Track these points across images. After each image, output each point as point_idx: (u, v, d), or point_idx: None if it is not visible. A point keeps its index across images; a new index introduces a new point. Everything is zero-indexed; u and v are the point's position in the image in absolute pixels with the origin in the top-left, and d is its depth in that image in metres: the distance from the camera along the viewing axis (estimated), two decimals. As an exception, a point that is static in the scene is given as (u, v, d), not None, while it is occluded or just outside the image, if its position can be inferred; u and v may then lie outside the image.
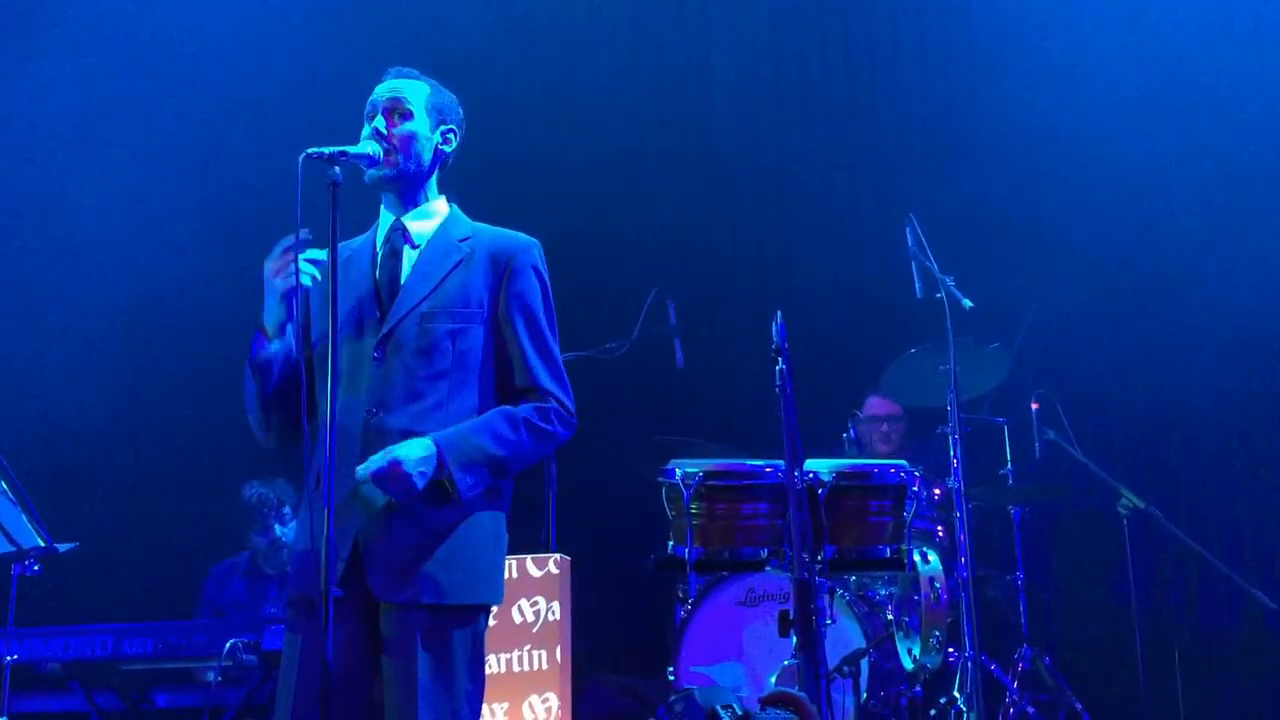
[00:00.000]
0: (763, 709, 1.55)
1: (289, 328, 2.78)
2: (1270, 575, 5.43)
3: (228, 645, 3.58)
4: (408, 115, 2.84)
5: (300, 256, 2.65)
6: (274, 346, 2.77)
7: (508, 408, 2.79)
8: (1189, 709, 4.87)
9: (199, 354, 5.65)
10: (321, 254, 2.68)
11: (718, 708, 1.54)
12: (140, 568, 5.36)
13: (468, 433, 2.72)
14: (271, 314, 2.76)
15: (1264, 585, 5.17)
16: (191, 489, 5.43)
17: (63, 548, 3.92)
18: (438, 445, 2.67)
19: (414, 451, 2.64)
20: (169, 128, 5.89)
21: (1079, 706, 4.80)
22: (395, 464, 2.62)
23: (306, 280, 2.70)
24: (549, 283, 2.90)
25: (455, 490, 2.67)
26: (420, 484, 2.64)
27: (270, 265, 2.73)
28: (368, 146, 2.77)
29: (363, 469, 2.64)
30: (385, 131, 2.80)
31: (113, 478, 5.59)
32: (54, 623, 3.82)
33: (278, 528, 4.92)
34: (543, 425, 2.78)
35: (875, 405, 5.49)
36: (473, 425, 2.74)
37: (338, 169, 2.65)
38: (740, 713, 1.54)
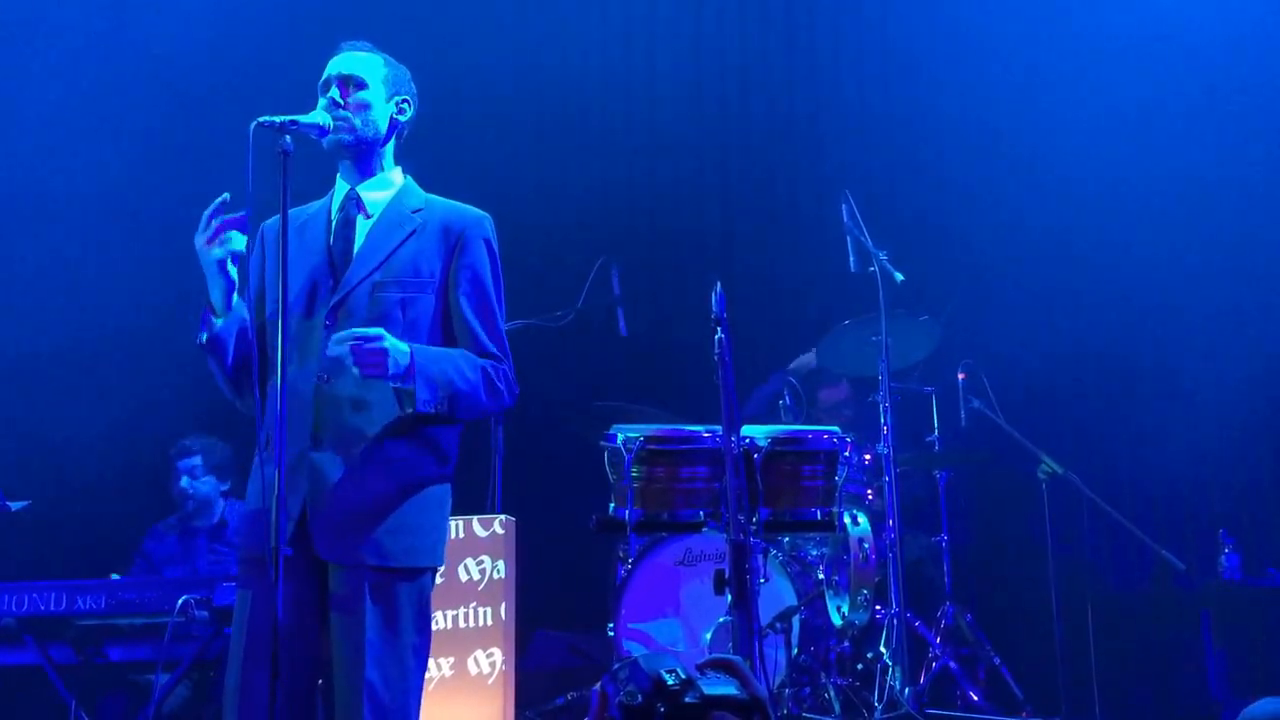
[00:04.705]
0: (702, 674, 1.65)
1: (236, 298, 2.73)
2: (1178, 537, 5.62)
3: (180, 601, 3.61)
4: (362, 85, 2.85)
5: (225, 217, 2.62)
6: (219, 323, 2.74)
7: (467, 351, 2.80)
8: (1100, 663, 4.96)
9: (153, 311, 5.59)
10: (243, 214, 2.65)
11: (662, 673, 1.63)
12: (93, 525, 5.33)
13: (437, 356, 2.73)
14: (215, 287, 2.72)
15: (1172, 547, 5.30)
16: (144, 447, 5.42)
17: (15, 505, 3.96)
18: (412, 354, 2.67)
19: (399, 345, 2.64)
20: (115, 94, 5.82)
21: (997, 661, 4.92)
22: (379, 336, 2.60)
23: (240, 245, 2.66)
24: (499, 257, 2.93)
25: (412, 402, 2.66)
26: (391, 370, 2.62)
27: (200, 238, 2.68)
28: (319, 116, 2.78)
29: (338, 336, 2.61)
30: (341, 101, 2.82)
31: (65, 435, 5.51)
32: (7, 579, 3.82)
33: (185, 480, 4.89)
34: (495, 380, 2.81)
35: (825, 395, 5.57)
36: (441, 351, 2.76)
37: (289, 138, 2.65)
38: (683, 676, 1.63)
